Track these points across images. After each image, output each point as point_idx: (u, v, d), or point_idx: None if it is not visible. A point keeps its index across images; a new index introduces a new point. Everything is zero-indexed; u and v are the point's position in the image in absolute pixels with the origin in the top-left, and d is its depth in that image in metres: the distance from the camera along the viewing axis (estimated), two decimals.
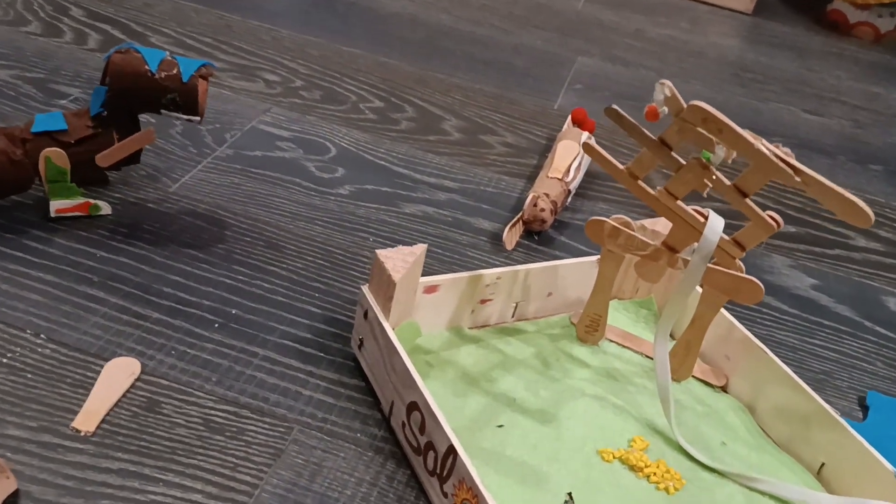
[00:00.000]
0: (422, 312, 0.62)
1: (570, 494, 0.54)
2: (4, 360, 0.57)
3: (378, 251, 0.58)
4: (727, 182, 0.53)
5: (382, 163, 0.91)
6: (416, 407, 0.53)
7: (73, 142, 0.69)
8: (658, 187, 0.57)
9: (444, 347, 0.64)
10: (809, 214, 0.99)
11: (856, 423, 0.66)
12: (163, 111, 0.69)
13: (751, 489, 0.57)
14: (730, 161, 0.52)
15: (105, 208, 0.74)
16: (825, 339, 0.78)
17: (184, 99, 0.68)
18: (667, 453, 0.58)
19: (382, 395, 0.59)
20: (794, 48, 1.61)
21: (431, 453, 0.52)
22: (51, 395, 0.56)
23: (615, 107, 0.53)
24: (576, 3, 1.59)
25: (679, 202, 0.56)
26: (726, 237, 0.55)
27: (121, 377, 0.58)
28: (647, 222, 0.68)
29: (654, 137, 0.54)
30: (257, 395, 0.59)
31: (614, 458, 0.57)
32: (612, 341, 0.68)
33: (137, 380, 0.58)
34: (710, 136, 0.50)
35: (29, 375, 0.57)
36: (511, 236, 0.80)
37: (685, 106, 0.50)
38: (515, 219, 0.82)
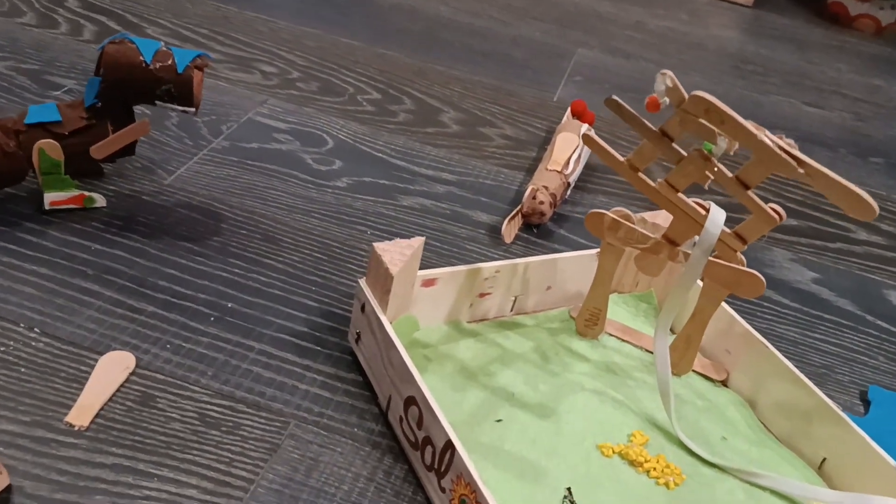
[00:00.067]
0: (420, 306, 0.62)
1: (569, 489, 0.53)
2: None
3: (375, 244, 0.57)
4: (729, 174, 0.52)
5: (380, 155, 0.91)
6: (414, 401, 0.52)
7: (67, 133, 0.68)
8: (659, 179, 0.56)
9: (442, 341, 0.63)
10: (810, 207, 0.99)
11: (857, 418, 0.65)
12: (157, 102, 0.68)
13: (751, 484, 0.56)
14: (732, 152, 0.51)
15: (100, 201, 0.73)
16: (826, 333, 0.77)
17: (179, 90, 0.67)
18: (667, 448, 0.58)
19: (380, 389, 0.58)
20: (794, 40, 1.60)
21: (429, 448, 0.51)
22: (44, 389, 0.55)
23: (615, 97, 0.53)
24: None
25: (680, 194, 0.55)
26: (727, 230, 0.55)
27: (115, 371, 0.57)
28: (648, 215, 0.68)
29: (654, 129, 0.54)
30: (253, 389, 0.58)
31: (614, 452, 0.56)
32: (611, 335, 0.67)
33: (132, 374, 0.57)
34: (712, 126, 0.49)
35: (22, 369, 0.56)
36: (510, 229, 0.80)
37: (687, 96, 0.50)
38: (514, 212, 0.81)
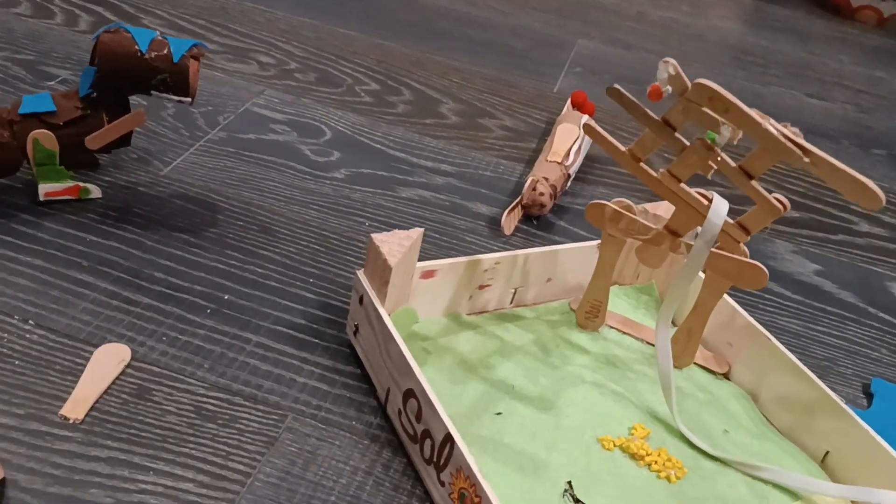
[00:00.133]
0: (418, 298, 0.61)
1: (569, 483, 0.52)
2: None
3: (373, 235, 0.56)
4: (732, 163, 0.51)
5: (378, 146, 0.90)
6: (413, 394, 0.52)
7: (62, 123, 0.67)
8: (661, 169, 0.55)
9: (441, 334, 0.62)
10: (812, 199, 0.98)
11: (860, 411, 0.65)
12: (153, 92, 0.67)
13: (753, 477, 0.56)
14: (735, 142, 0.51)
15: (95, 192, 0.72)
16: (829, 325, 0.77)
17: (174, 80, 0.66)
18: (668, 441, 0.57)
19: (378, 382, 0.58)
20: (796, 32, 1.59)
21: (428, 441, 0.51)
22: (39, 381, 0.54)
23: (617, 86, 0.52)
24: None
25: (682, 185, 0.55)
26: (730, 220, 0.54)
27: (110, 364, 0.56)
28: (649, 206, 0.67)
29: (657, 118, 0.53)
30: (250, 382, 0.58)
31: (615, 446, 0.56)
32: (612, 328, 0.67)
33: (127, 366, 0.57)
34: (716, 115, 0.49)
35: (16, 362, 0.55)
36: (509, 221, 0.79)
37: (690, 85, 0.49)
38: (514, 203, 0.80)
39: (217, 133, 0.85)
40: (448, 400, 0.57)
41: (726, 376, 0.65)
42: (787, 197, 0.53)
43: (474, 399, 0.57)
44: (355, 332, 0.60)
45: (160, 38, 0.67)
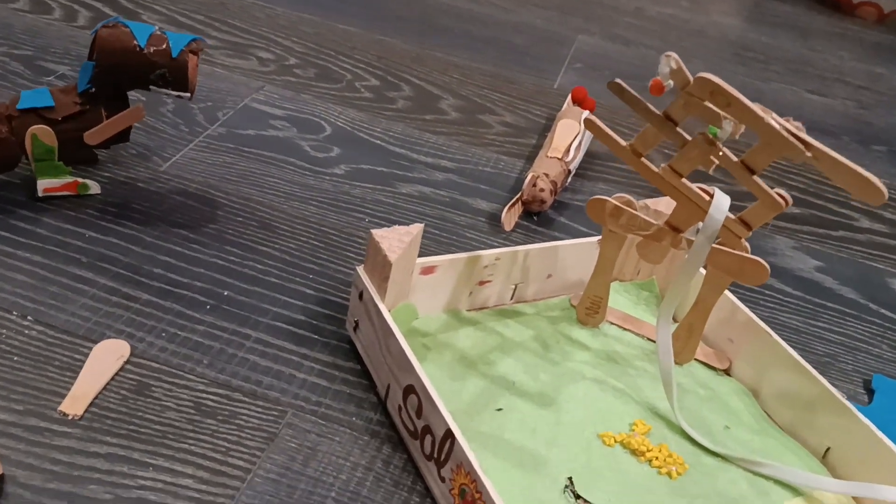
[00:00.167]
0: (418, 294, 0.61)
1: (570, 479, 0.52)
2: None
3: (373, 230, 0.56)
4: (734, 158, 0.51)
5: (378, 142, 0.89)
6: (413, 390, 0.52)
7: (61, 119, 0.67)
8: (662, 164, 0.55)
9: (441, 330, 0.62)
10: (813, 195, 0.98)
11: (861, 407, 0.65)
12: (152, 87, 0.67)
13: (755, 473, 0.55)
14: (737, 136, 0.50)
15: (94, 188, 0.72)
16: (829, 321, 0.77)
17: (173, 74, 0.66)
18: (669, 437, 0.57)
19: (378, 378, 0.57)
20: (796, 28, 1.59)
21: (428, 437, 0.50)
22: (37, 377, 0.54)
23: (619, 81, 0.52)
24: None
25: (684, 180, 0.54)
26: (732, 216, 0.54)
27: (109, 360, 0.56)
28: (650, 202, 0.67)
29: (658, 112, 0.53)
30: (250, 377, 0.57)
31: (615, 442, 0.56)
32: (612, 324, 0.67)
33: (127, 362, 0.56)
34: (718, 110, 0.48)
35: (15, 358, 0.55)
36: (510, 217, 0.79)
37: (691, 79, 0.49)
38: (514, 199, 0.80)
39: (216, 129, 0.85)
40: (448, 396, 0.56)
41: (727, 372, 0.65)
42: (787, 193, 0.53)
43: (474, 395, 0.57)
44: (355, 328, 0.60)
45: (159, 32, 0.66)
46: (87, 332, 0.58)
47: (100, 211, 0.70)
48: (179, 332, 0.60)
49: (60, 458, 0.49)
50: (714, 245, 0.55)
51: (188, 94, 0.67)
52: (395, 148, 0.89)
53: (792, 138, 0.47)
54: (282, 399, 0.56)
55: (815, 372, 0.58)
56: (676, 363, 0.62)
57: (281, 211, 0.75)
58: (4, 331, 0.57)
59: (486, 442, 0.54)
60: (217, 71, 0.97)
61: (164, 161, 0.78)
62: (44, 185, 0.69)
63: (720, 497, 0.53)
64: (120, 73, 0.66)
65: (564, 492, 0.52)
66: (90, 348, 0.57)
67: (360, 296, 0.58)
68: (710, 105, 0.49)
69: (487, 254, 0.62)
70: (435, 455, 0.50)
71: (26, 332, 0.57)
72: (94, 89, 0.67)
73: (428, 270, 0.60)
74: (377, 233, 0.56)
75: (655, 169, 0.55)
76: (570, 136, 0.86)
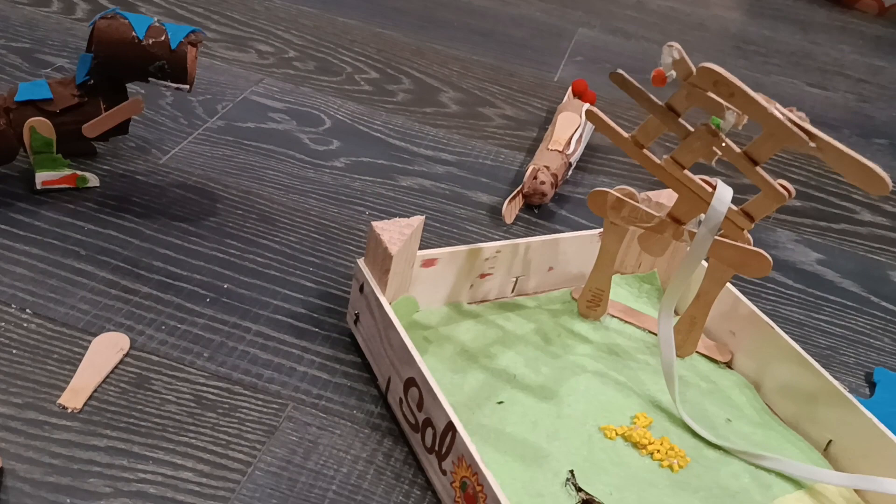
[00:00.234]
0: (419, 287, 0.61)
1: (571, 472, 0.52)
2: None
3: (374, 223, 0.56)
4: (737, 149, 0.51)
5: (378, 135, 0.89)
6: (414, 383, 0.51)
7: (59, 111, 0.67)
8: (664, 156, 0.55)
9: (442, 323, 0.62)
10: (814, 188, 0.98)
11: (862, 400, 0.64)
12: (151, 79, 0.67)
13: (756, 466, 0.55)
14: (740, 127, 0.50)
15: (93, 180, 0.71)
16: (831, 314, 0.76)
17: (172, 66, 0.66)
18: (671, 430, 0.57)
19: (379, 371, 0.57)
20: (796, 21, 1.58)
21: (430, 430, 0.50)
22: (37, 371, 0.54)
23: (620, 71, 0.51)
24: None
25: (686, 171, 0.54)
26: (734, 208, 0.53)
27: (109, 353, 0.56)
28: (652, 194, 0.66)
29: (660, 103, 0.52)
30: (250, 371, 0.57)
31: (617, 435, 0.56)
32: (614, 317, 0.66)
33: (126, 355, 0.56)
34: (721, 100, 0.48)
35: (14, 351, 0.55)
36: (510, 210, 0.78)
37: (694, 69, 0.48)
38: (515, 192, 0.80)
39: (216, 122, 0.85)
40: (449, 389, 0.56)
41: (729, 365, 0.65)
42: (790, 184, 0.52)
43: (475, 388, 0.57)
44: (356, 321, 0.60)
45: (158, 24, 0.66)
46: (87, 325, 0.58)
47: (99, 204, 0.70)
48: (179, 326, 0.59)
49: (60, 451, 0.49)
50: (716, 237, 0.54)
51: (187, 87, 0.67)
52: (395, 141, 0.89)
53: (796, 129, 0.46)
54: (282, 392, 0.56)
55: (816, 365, 0.58)
56: (678, 356, 0.62)
57: (281, 204, 0.75)
58: (3, 324, 0.57)
59: (488, 435, 0.54)
60: (216, 64, 0.96)
61: (163, 154, 0.78)
62: (42, 177, 0.69)
63: (722, 490, 0.53)
64: (118, 64, 0.66)
65: (566, 485, 0.51)
66: (89, 341, 0.56)
67: (361, 288, 0.58)
68: (713, 95, 0.49)
69: (488, 246, 0.62)
70: (436, 448, 0.50)
71: (25, 325, 0.57)
72: (92, 81, 0.67)
73: (429, 263, 0.60)
74: (378, 225, 0.56)
75: (657, 160, 0.55)
76: (570, 128, 0.86)
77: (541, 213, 0.81)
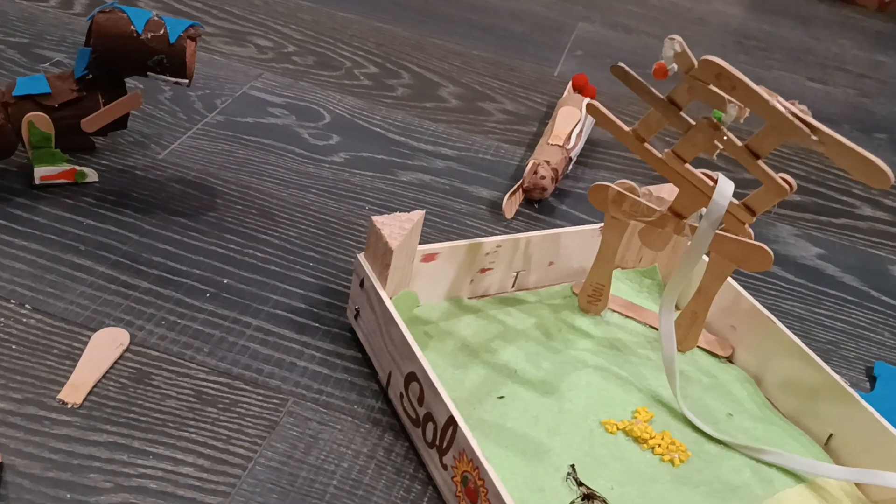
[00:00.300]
0: (420, 282, 0.60)
1: (572, 467, 0.52)
2: None
3: (374, 217, 0.56)
4: (739, 143, 0.51)
5: (378, 130, 0.89)
6: (415, 377, 0.51)
7: (57, 106, 0.66)
8: (665, 150, 0.55)
9: (442, 318, 0.62)
10: (815, 183, 0.97)
11: (863, 394, 0.64)
12: (149, 74, 0.66)
13: (757, 461, 0.55)
14: (741, 121, 0.50)
15: (92, 175, 0.71)
16: (831, 308, 0.76)
17: (171, 60, 0.65)
18: (672, 425, 0.57)
19: (379, 365, 0.57)
20: (797, 16, 1.58)
21: (430, 425, 0.50)
22: (36, 366, 0.54)
23: (622, 64, 0.51)
24: None
25: (687, 165, 0.54)
26: (736, 201, 0.53)
27: (109, 348, 0.56)
28: (653, 188, 0.66)
29: (662, 97, 0.52)
30: (251, 366, 0.57)
31: (618, 429, 0.55)
32: (614, 311, 0.66)
33: (126, 351, 0.56)
34: (723, 93, 0.48)
35: (13, 346, 0.55)
36: (511, 205, 0.78)
37: (696, 62, 0.48)
38: (515, 187, 0.80)
39: (215, 116, 0.84)
40: (450, 384, 0.56)
41: (730, 360, 0.65)
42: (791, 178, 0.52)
43: (476, 383, 0.57)
44: (356, 316, 0.60)
45: (156, 18, 0.66)
46: (86, 320, 0.58)
47: (98, 199, 0.70)
48: (179, 321, 0.59)
49: (60, 446, 0.49)
50: (718, 231, 0.54)
51: (186, 81, 0.67)
52: (395, 136, 0.88)
53: (798, 122, 0.46)
54: (283, 387, 0.56)
55: (817, 359, 0.58)
56: (679, 351, 0.62)
57: (280, 199, 0.74)
58: (2, 319, 0.57)
59: (489, 430, 0.53)
60: (215, 58, 0.96)
61: (162, 149, 0.78)
62: (41, 172, 0.68)
63: (723, 484, 0.53)
64: (117, 59, 0.66)
65: (567, 479, 0.51)
66: (89, 336, 0.56)
67: (361, 283, 0.58)
68: (715, 89, 0.48)
69: (489, 241, 0.62)
70: (437, 443, 0.50)
71: (24, 320, 0.57)
72: (91, 76, 0.67)
73: (429, 258, 0.60)
74: (378, 219, 0.56)
75: (659, 154, 0.55)
76: (570, 123, 0.86)
77: (541, 207, 0.81)
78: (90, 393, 0.53)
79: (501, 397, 0.56)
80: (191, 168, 0.76)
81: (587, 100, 0.90)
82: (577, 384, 0.58)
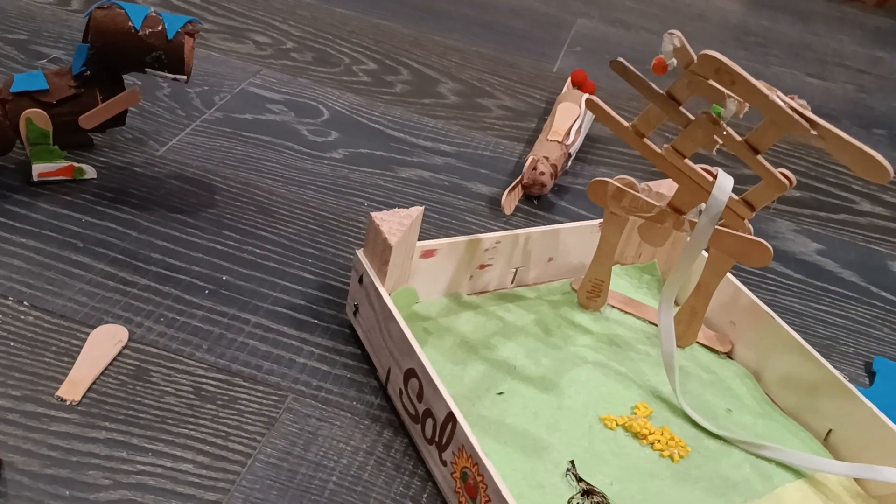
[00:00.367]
0: (419, 278, 0.60)
1: (572, 462, 0.52)
2: None
3: (373, 213, 0.56)
4: (738, 138, 0.51)
5: (377, 126, 0.89)
6: (414, 374, 0.51)
7: (55, 102, 0.66)
8: (665, 145, 0.54)
9: (441, 314, 0.62)
10: (814, 179, 0.97)
11: (862, 389, 0.64)
12: (147, 70, 0.66)
13: (757, 456, 0.55)
14: (741, 115, 0.50)
15: (90, 172, 0.71)
16: (831, 304, 0.76)
17: (169, 57, 0.65)
18: (671, 421, 0.57)
19: (379, 362, 0.57)
20: (796, 12, 1.58)
21: (430, 421, 0.50)
22: (35, 363, 0.54)
23: (621, 59, 0.51)
24: None
25: (687, 160, 0.54)
26: (735, 197, 0.53)
27: (107, 345, 0.56)
28: (652, 183, 0.66)
29: (661, 92, 0.52)
30: (250, 362, 0.57)
31: (617, 425, 0.55)
32: (614, 307, 0.66)
33: (125, 347, 0.56)
34: (722, 88, 0.48)
35: (12, 343, 0.55)
36: (510, 201, 0.78)
37: (695, 57, 0.48)
38: (514, 183, 0.79)
39: (213, 113, 0.84)
40: (449, 380, 0.56)
41: (729, 356, 0.65)
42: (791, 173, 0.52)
43: (476, 379, 0.57)
44: (355, 313, 0.60)
45: (154, 14, 0.65)
46: (85, 317, 0.58)
47: (96, 196, 0.69)
48: (178, 317, 0.59)
49: (58, 443, 0.49)
50: (717, 227, 0.54)
51: (184, 77, 0.67)
52: (394, 132, 0.88)
53: (797, 117, 0.46)
54: (282, 384, 0.56)
55: (817, 355, 0.58)
56: (678, 346, 0.62)
57: (279, 195, 0.74)
58: (0, 316, 0.56)
59: (488, 426, 0.53)
60: (213, 55, 0.96)
61: (160, 145, 0.78)
62: (39, 169, 0.68)
63: (722, 480, 0.53)
64: (115, 55, 0.65)
65: (566, 475, 0.51)
66: (88, 333, 0.56)
67: (360, 280, 0.57)
68: (715, 83, 0.48)
69: (488, 237, 0.62)
70: (436, 439, 0.50)
71: (23, 317, 0.57)
72: (88, 72, 0.66)
73: (428, 254, 0.60)
74: (377, 215, 0.56)
75: (658, 150, 0.55)
76: (570, 119, 0.86)
77: (540, 203, 0.81)
78: (89, 390, 0.53)
79: (501, 393, 0.56)
80: (189, 165, 0.76)
81: (586, 96, 0.90)
82: (577, 380, 0.58)
